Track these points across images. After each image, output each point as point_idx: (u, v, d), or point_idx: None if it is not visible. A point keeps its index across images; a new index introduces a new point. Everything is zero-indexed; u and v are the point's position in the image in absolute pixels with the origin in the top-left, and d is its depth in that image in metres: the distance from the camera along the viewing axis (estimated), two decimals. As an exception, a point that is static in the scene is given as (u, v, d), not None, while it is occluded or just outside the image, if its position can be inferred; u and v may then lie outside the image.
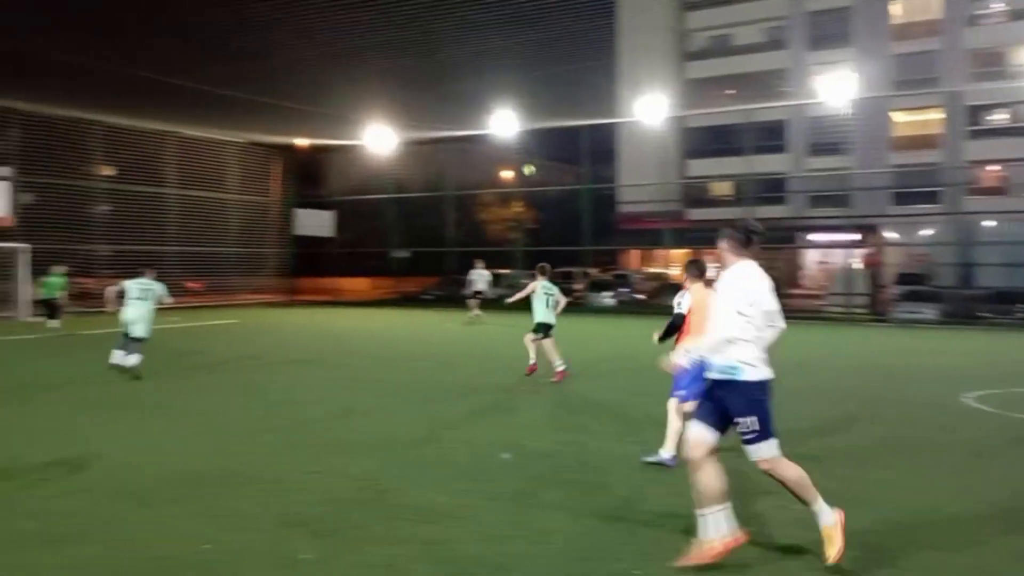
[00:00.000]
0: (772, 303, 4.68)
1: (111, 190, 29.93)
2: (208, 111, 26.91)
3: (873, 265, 35.61)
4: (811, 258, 45.40)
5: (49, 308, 20.08)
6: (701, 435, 4.57)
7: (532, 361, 12.12)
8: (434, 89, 27.63)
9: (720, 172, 40.12)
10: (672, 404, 6.91)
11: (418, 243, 37.26)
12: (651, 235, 39.37)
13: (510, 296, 13.63)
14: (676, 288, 8.24)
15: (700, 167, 43.24)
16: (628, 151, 44.41)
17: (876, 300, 28.53)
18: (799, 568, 4.60)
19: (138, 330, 12.32)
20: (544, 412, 9.68)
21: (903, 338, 20.16)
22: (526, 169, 27.72)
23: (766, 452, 4.52)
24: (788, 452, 6.16)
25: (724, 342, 4.49)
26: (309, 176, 40.33)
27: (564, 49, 23.72)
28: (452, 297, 27.02)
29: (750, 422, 4.47)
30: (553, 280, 12.60)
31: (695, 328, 6.54)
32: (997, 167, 37.23)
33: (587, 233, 30.09)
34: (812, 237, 41.49)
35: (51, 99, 24.93)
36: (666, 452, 6.87)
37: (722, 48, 45.37)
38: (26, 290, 24.47)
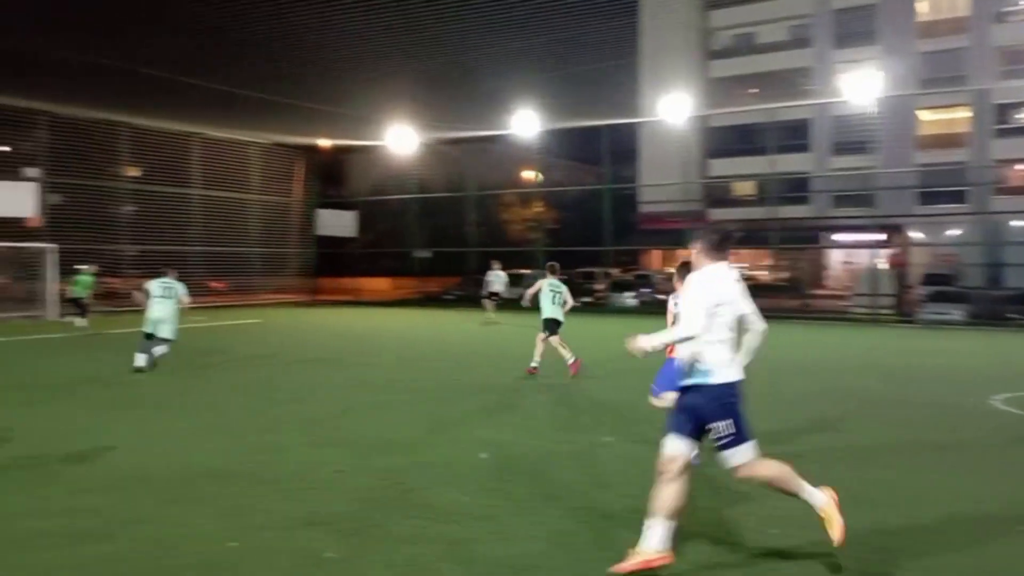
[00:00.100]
0: (744, 306, 4.68)
1: (136, 191, 30.28)
2: (232, 112, 27.16)
3: (899, 265, 35.20)
4: (835, 258, 45.00)
5: (79, 307, 20.33)
6: (678, 447, 4.47)
7: (534, 364, 12.19)
8: (455, 89, 27.68)
9: (743, 172, 39.86)
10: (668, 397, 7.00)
11: (439, 243, 37.32)
12: (673, 235, 39.15)
13: (526, 296, 13.72)
14: None
15: (723, 167, 42.97)
16: (650, 151, 44.21)
17: (902, 301, 28.19)
18: (796, 570, 4.55)
19: (165, 331, 12.76)
20: (561, 412, 9.66)
21: (930, 339, 19.90)
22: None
23: (742, 457, 4.44)
24: (810, 452, 6.12)
25: (689, 339, 4.42)
26: (331, 176, 40.55)
27: (586, 48, 23.67)
28: (473, 297, 27.03)
29: (724, 426, 4.40)
30: (563, 279, 12.79)
31: None
32: (1026, 166, 36.68)
33: (608, 233, 29.99)
34: (836, 237, 41.13)
35: (78, 101, 25.26)
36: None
37: (746, 46, 45.06)
38: (54, 289, 24.82)
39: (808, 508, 4.64)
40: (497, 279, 24.45)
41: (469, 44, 21.91)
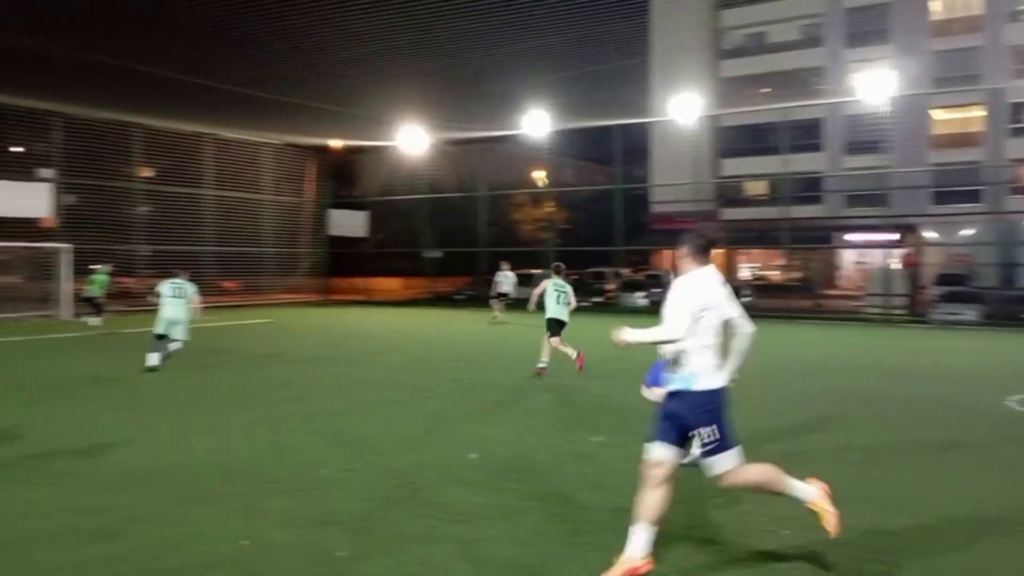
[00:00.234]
0: (731, 309, 4.65)
1: (150, 191, 30.47)
2: (245, 113, 27.28)
3: (912, 265, 34.99)
4: (848, 258, 44.78)
5: (93, 306, 20.48)
6: (663, 454, 4.44)
7: (542, 364, 12.21)
8: (467, 89, 27.73)
9: (755, 171, 39.71)
10: None
11: (450, 243, 37.37)
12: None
13: (531, 299, 13.77)
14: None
15: (735, 166, 42.83)
16: (661, 150, 44.12)
17: (915, 301, 28.02)
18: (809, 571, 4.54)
19: (178, 332, 13.05)
20: (569, 412, 9.66)
21: (943, 340, 19.77)
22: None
23: (727, 464, 4.40)
24: (819, 451, 6.08)
25: (672, 341, 4.37)
26: (343, 177, 40.69)
27: (597, 48, 23.66)
28: (484, 297, 27.07)
29: (709, 431, 4.35)
30: (569, 279, 12.85)
31: None
32: (1040, 165, 36.38)
33: (619, 233, 29.95)
34: (849, 237, 40.91)
35: (91, 102, 25.45)
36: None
37: (757, 46, 44.91)
38: (68, 289, 25.01)
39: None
40: (506, 279, 24.49)
41: (480, 44, 21.95)
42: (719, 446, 4.37)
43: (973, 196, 35.08)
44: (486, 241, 33.45)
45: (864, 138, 36.80)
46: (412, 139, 32.33)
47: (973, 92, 36.47)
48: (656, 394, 6.99)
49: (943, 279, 29.28)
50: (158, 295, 13.08)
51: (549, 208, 46.44)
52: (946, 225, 36.62)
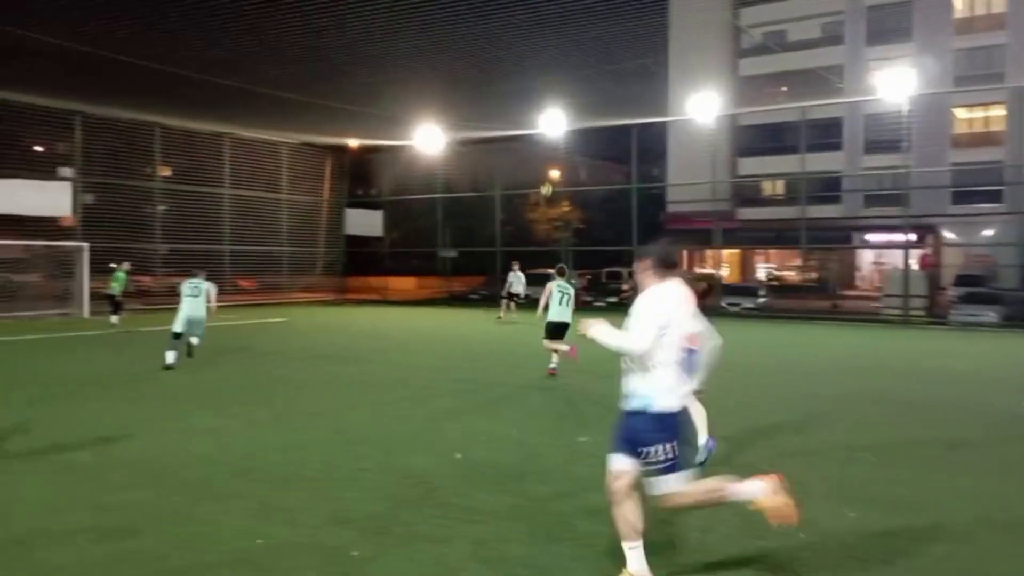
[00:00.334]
0: (695, 324, 4.57)
1: (168, 190, 30.69)
2: (262, 112, 27.41)
3: (931, 266, 34.65)
4: (866, 259, 44.45)
5: (113, 304, 20.62)
6: (624, 465, 4.34)
7: (553, 365, 12.20)
8: (483, 89, 27.67)
9: (773, 171, 39.48)
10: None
11: (466, 243, 37.39)
12: (700, 235, 38.94)
13: (540, 306, 13.72)
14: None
15: (752, 165, 42.62)
16: (678, 149, 43.96)
17: (934, 302, 27.74)
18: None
19: (196, 330, 13.43)
20: (583, 412, 9.61)
21: (962, 342, 19.56)
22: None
23: (675, 485, 4.28)
24: (834, 451, 5.99)
25: (635, 351, 4.25)
26: (359, 176, 40.80)
27: (615, 47, 23.54)
28: (499, 297, 27.08)
29: (662, 450, 4.24)
30: (573, 280, 12.82)
31: None
32: (1064, 165, 35.92)
33: (635, 232, 29.85)
34: (868, 237, 40.59)
35: (111, 101, 25.66)
36: (701, 439, 6.96)
37: (776, 44, 44.66)
38: (87, 287, 25.23)
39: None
40: (517, 279, 24.54)
41: (497, 43, 21.88)
42: (673, 466, 4.26)
43: (994, 196, 34.72)
44: (501, 241, 33.44)
45: (884, 137, 36.46)
46: (428, 138, 32.36)
47: (995, 91, 36.05)
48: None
49: (962, 280, 28.97)
50: (180, 295, 13.47)
51: (565, 208, 46.38)
52: (966, 225, 36.26)
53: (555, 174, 47.77)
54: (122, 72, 21.53)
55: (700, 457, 6.94)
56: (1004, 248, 29.85)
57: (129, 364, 13.73)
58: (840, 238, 39.50)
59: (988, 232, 34.55)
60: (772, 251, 45.44)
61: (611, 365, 12.95)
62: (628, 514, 4.30)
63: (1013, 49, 37.43)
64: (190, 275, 13.76)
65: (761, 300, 30.17)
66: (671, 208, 44.83)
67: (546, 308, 12.63)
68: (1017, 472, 6.98)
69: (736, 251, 44.74)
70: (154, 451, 7.39)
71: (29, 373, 12.97)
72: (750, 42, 45.79)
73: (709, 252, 41.76)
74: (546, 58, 24.49)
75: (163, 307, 23.06)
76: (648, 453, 4.24)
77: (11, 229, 25.04)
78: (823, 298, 33.43)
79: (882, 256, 41.41)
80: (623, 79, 27.69)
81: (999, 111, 38.65)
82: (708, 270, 41.54)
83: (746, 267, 46.27)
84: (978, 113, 40.29)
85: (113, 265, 21.79)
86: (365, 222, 36.90)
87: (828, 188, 39.94)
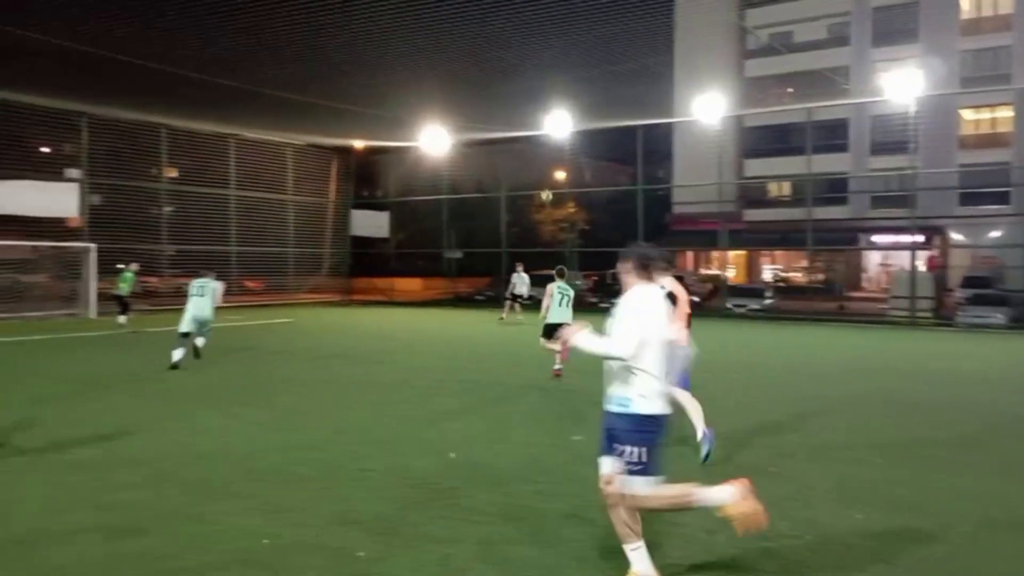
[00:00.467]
0: (671, 330, 4.54)
1: (174, 191, 30.77)
2: (268, 114, 27.47)
3: (938, 268, 34.55)
4: (873, 260, 44.33)
5: (121, 304, 20.68)
6: (612, 468, 4.33)
7: (558, 366, 12.21)
8: (488, 90, 27.72)
9: (779, 172, 39.40)
10: (674, 391, 7.27)
11: (471, 244, 37.42)
12: (706, 236, 38.91)
13: (543, 308, 13.77)
14: (733, 289, 8.47)
15: (758, 167, 42.54)
16: (684, 151, 43.94)
17: (941, 304, 27.65)
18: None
19: (204, 331, 13.59)
20: (590, 413, 9.59)
21: (969, 343, 19.49)
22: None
23: (641, 488, 4.24)
24: (842, 452, 5.96)
25: (620, 356, 4.22)
26: (365, 177, 40.87)
27: (620, 48, 23.56)
28: (503, 298, 27.10)
29: (637, 452, 4.20)
30: (570, 282, 12.90)
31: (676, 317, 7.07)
32: (1071, 166, 35.79)
33: (641, 234, 29.80)
34: (874, 239, 40.49)
35: (118, 102, 25.74)
36: (699, 432, 7.11)
37: (782, 45, 44.61)
38: (94, 288, 25.30)
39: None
40: (521, 281, 24.55)
41: (503, 45, 21.92)
42: (643, 470, 4.22)
43: (1001, 197, 34.58)
44: (506, 242, 33.44)
45: (890, 138, 36.38)
46: (434, 140, 32.39)
47: (1002, 92, 35.94)
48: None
49: (970, 282, 28.88)
50: (188, 295, 13.60)
51: (570, 209, 46.38)
52: (973, 227, 36.13)
53: (560, 175, 47.82)
54: (128, 74, 21.62)
55: (703, 451, 7.05)
56: (1011, 249, 29.73)
57: (135, 364, 13.77)
58: (846, 239, 39.40)
59: (995, 233, 34.42)
60: (778, 252, 45.34)
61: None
62: (624, 516, 4.29)
63: (1020, 50, 37.31)
64: (197, 275, 13.86)
65: (767, 302, 30.11)
66: (677, 209, 44.80)
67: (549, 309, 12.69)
68: (1019, 472, 6.94)
69: (742, 252, 44.66)
70: (159, 450, 7.40)
71: (35, 373, 13.01)
72: (756, 43, 45.72)
73: (715, 253, 41.75)
74: (551, 59, 24.53)
75: (170, 308, 23.13)
76: (623, 452, 4.23)
77: (19, 230, 25.14)
78: (829, 300, 33.36)
79: (889, 257, 41.31)
80: (629, 80, 27.70)
81: (1006, 112, 38.54)
82: (714, 271, 41.51)
83: (752, 268, 46.18)
84: (985, 114, 40.15)
85: (121, 266, 21.85)
86: (371, 223, 36.94)
87: (834, 189, 39.85)
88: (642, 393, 4.25)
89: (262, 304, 30.20)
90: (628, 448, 4.23)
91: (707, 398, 10.28)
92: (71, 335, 19.46)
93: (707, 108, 28.15)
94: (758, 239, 40.42)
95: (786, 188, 43.96)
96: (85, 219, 26.76)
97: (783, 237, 36.38)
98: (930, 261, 36.08)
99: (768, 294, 31.46)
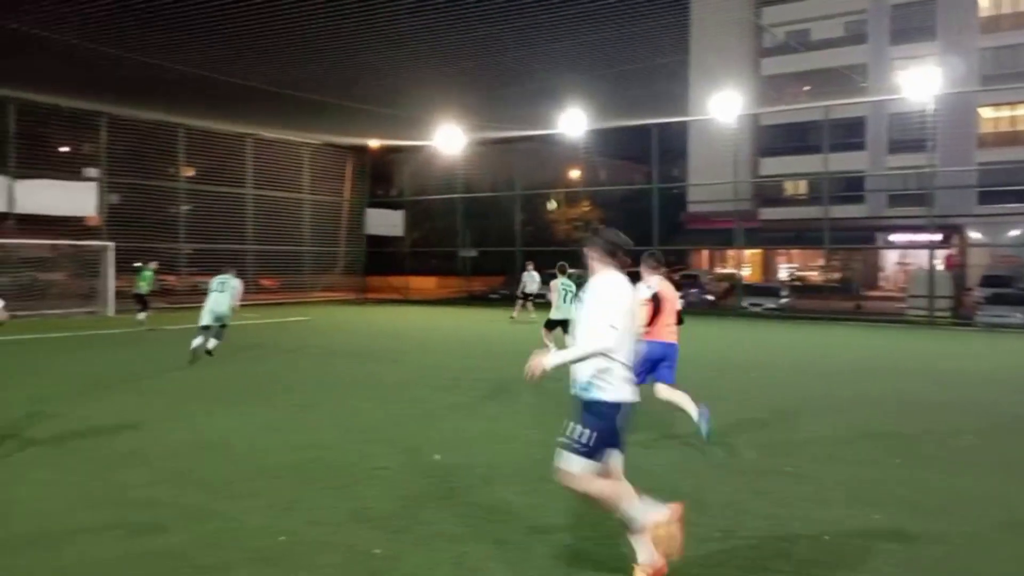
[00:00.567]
0: (637, 317, 4.53)
1: (192, 190, 30.98)
2: (285, 113, 27.60)
3: (957, 266, 34.24)
4: (890, 259, 44.00)
5: (140, 302, 20.82)
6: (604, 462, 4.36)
7: None
8: (503, 89, 27.69)
9: (796, 170, 39.19)
10: (661, 388, 7.61)
11: (485, 242, 37.44)
12: (721, 235, 38.73)
13: (553, 304, 13.79)
14: (749, 288, 8.62)
15: (775, 165, 42.32)
16: (699, 149, 43.76)
17: (959, 303, 27.40)
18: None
19: (218, 323, 13.77)
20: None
21: (987, 343, 19.31)
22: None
23: (576, 468, 4.22)
24: (856, 453, 5.93)
25: (598, 354, 4.20)
26: (380, 176, 40.96)
27: (636, 47, 23.45)
28: (515, 296, 27.12)
29: (585, 434, 4.19)
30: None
31: (656, 317, 7.42)
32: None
33: (656, 233, 29.73)
34: (892, 237, 40.18)
35: (136, 103, 25.95)
36: (694, 415, 7.43)
37: (799, 43, 44.34)
38: (112, 286, 25.53)
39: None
40: (532, 279, 24.55)
41: (518, 44, 21.90)
42: (585, 452, 4.20)
43: (1021, 196, 34.20)
44: (521, 241, 33.43)
45: (908, 137, 36.07)
46: (449, 139, 32.44)
47: (1022, 90, 35.53)
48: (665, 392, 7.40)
49: (989, 281, 28.60)
50: (208, 291, 13.95)
51: (585, 207, 46.32)
52: (992, 225, 35.78)
53: (575, 174, 47.75)
54: (148, 75, 21.78)
55: (704, 430, 7.35)
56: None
57: (151, 362, 13.88)
58: (863, 238, 39.12)
59: (1015, 232, 34.05)
60: (794, 251, 45.11)
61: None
62: (624, 509, 4.29)
63: (1041, 47, 36.90)
64: (219, 271, 14.33)
65: (783, 300, 29.95)
66: (692, 208, 44.64)
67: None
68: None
69: (758, 251, 44.43)
70: (176, 448, 7.46)
71: (53, 369, 13.16)
72: (772, 41, 45.47)
73: (730, 252, 41.55)
74: (566, 59, 24.46)
75: (187, 306, 23.29)
76: (571, 428, 4.24)
77: (38, 228, 25.42)
78: (846, 299, 33.11)
79: (906, 256, 40.99)
80: (644, 79, 27.58)
81: (1026, 110, 38.13)
82: (729, 270, 41.33)
83: (768, 267, 45.95)
84: (1004, 112, 39.76)
85: (138, 264, 22.01)
86: (386, 222, 37.04)
87: (851, 188, 39.59)
88: (604, 379, 4.23)
89: (277, 302, 30.36)
90: (578, 427, 4.23)
91: (721, 397, 10.28)
92: (89, 333, 19.66)
93: (723, 106, 28.03)
94: (774, 238, 40.19)
95: (802, 187, 43.71)
96: (103, 218, 27.02)
97: (799, 236, 36.16)
98: (948, 260, 35.75)
99: (784, 293, 31.29)
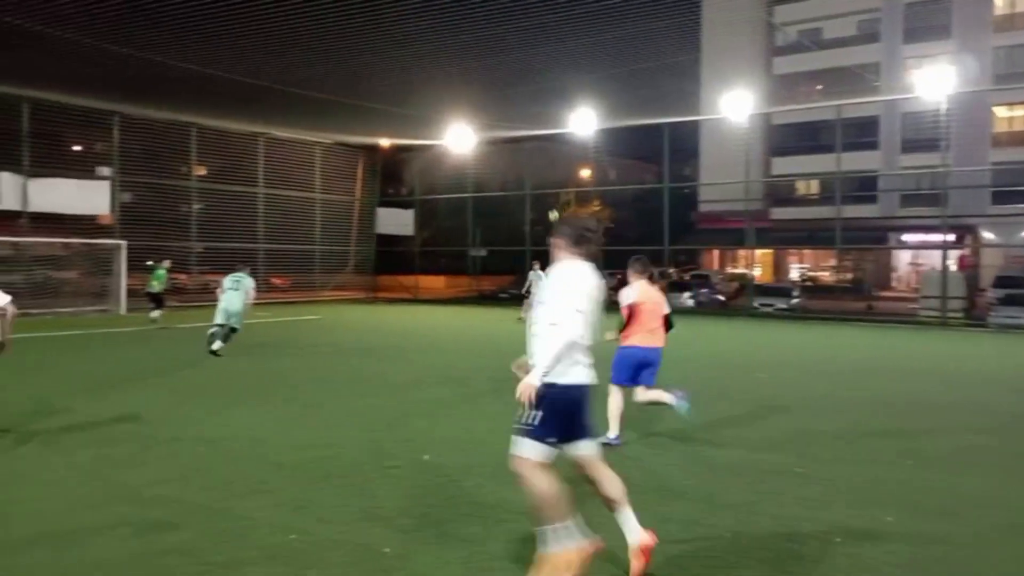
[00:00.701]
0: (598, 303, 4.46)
1: (204, 189, 31.12)
2: (297, 113, 27.69)
3: (970, 267, 34.02)
4: (903, 259, 43.77)
5: (154, 300, 20.95)
6: (575, 449, 4.41)
7: None
8: (514, 88, 27.69)
9: (808, 170, 39.02)
10: (639, 392, 7.70)
11: (495, 242, 37.46)
12: (732, 234, 38.61)
13: None
14: (760, 288, 8.72)
15: (787, 165, 42.16)
16: (710, 148, 43.66)
17: (972, 304, 27.22)
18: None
19: (234, 321, 14.06)
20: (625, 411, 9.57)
21: (1000, 344, 19.18)
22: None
23: (526, 451, 4.21)
24: (873, 453, 5.86)
25: (571, 345, 4.18)
26: (391, 175, 41.05)
27: (647, 46, 23.39)
28: (522, 296, 27.10)
29: (532, 415, 4.18)
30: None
31: (639, 321, 7.47)
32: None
33: (667, 232, 29.67)
34: (904, 238, 39.97)
35: (149, 101, 26.09)
36: (673, 400, 7.63)
37: (812, 42, 44.14)
38: (124, 284, 25.67)
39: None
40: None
41: (528, 43, 21.88)
42: (531, 432, 4.20)
43: (1036, 196, 33.98)
44: (531, 240, 33.43)
45: (921, 136, 35.86)
46: (459, 138, 32.46)
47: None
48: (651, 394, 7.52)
49: (1002, 281, 28.39)
50: (222, 288, 14.22)
51: (595, 207, 46.22)
52: (1006, 225, 35.53)
53: (585, 173, 47.69)
54: (160, 74, 21.88)
55: (684, 408, 7.62)
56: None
57: (162, 360, 13.95)
58: (876, 238, 38.94)
59: (1029, 233, 33.85)
60: (806, 251, 44.93)
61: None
62: (605, 487, 4.38)
63: (1056, 46, 36.60)
64: (233, 269, 14.68)
65: (794, 301, 29.83)
66: (703, 207, 44.54)
67: None
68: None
69: (769, 251, 44.29)
70: (187, 445, 7.49)
71: (64, 367, 13.25)
72: (785, 40, 45.29)
73: (741, 252, 41.43)
74: (577, 58, 24.42)
75: (199, 304, 23.41)
76: (520, 411, 4.23)
77: (51, 227, 25.61)
78: (858, 299, 32.98)
79: (919, 257, 40.75)
80: (655, 78, 27.51)
81: (1041, 109, 37.84)
82: (740, 270, 41.20)
83: (779, 267, 45.78)
84: (1019, 112, 39.49)
85: (151, 263, 22.12)
86: (396, 221, 37.11)
87: (864, 188, 39.40)
88: (566, 363, 4.22)
89: (288, 301, 30.47)
90: (525, 411, 4.21)
91: (729, 396, 10.26)
92: (101, 331, 19.77)
93: (735, 105, 27.95)
94: (785, 238, 40.05)
95: (814, 186, 43.53)
96: (116, 216, 27.18)
97: (811, 236, 36.02)
98: (961, 260, 35.52)
99: (795, 293, 31.18)
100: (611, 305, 7.73)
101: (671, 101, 29.91)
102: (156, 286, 20.62)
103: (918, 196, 36.59)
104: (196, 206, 30.61)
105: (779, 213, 42.29)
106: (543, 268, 24.71)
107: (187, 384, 11.38)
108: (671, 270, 35.36)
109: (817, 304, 30.50)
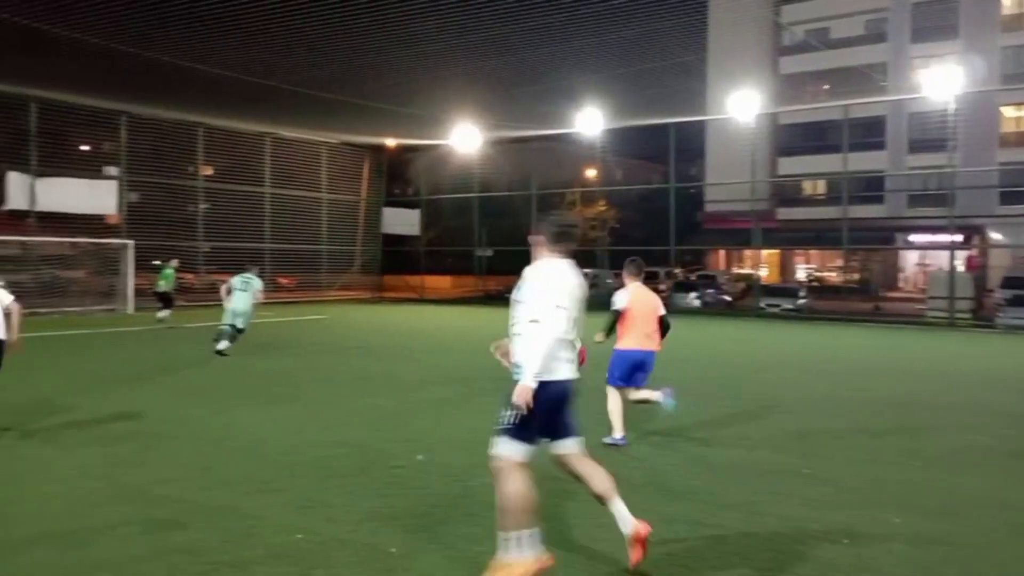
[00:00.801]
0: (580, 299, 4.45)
1: (211, 189, 31.20)
2: (303, 113, 27.74)
3: (977, 267, 33.90)
4: (910, 260, 43.63)
5: (162, 300, 21.01)
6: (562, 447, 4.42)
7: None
8: (520, 88, 27.68)
9: (814, 170, 38.93)
10: (631, 392, 7.75)
11: (501, 242, 37.44)
12: (739, 235, 38.53)
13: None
14: (767, 289, 8.79)
15: (793, 165, 42.07)
16: (717, 148, 43.56)
17: (980, 305, 27.11)
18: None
19: (240, 322, 14.10)
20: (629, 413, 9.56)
21: (1008, 345, 19.10)
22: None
23: (505, 450, 4.20)
24: (880, 453, 5.86)
25: (556, 342, 4.17)
26: (397, 175, 41.10)
27: (654, 46, 23.36)
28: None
29: (509, 415, 4.17)
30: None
31: (632, 324, 7.48)
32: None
33: (673, 232, 29.64)
34: (911, 238, 39.84)
35: (157, 101, 26.17)
36: (660, 397, 7.72)
37: (819, 42, 44.02)
38: (131, 284, 25.75)
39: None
40: None
41: (535, 43, 21.88)
42: (509, 431, 4.19)
43: (1044, 196, 33.83)
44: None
45: (929, 136, 35.76)
46: (465, 138, 32.47)
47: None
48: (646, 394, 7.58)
49: (1010, 282, 28.27)
50: (229, 289, 14.23)
51: (601, 207, 46.17)
52: (1014, 226, 35.36)
53: (591, 173, 47.65)
54: (168, 74, 21.94)
55: (671, 405, 7.73)
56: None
57: (169, 359, 13.99)
58: (883, 239, 38.83)
59: (1037, 233, 33.68)
60: (813, 252, 44.82)
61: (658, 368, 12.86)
62: (595, 481, 4.39)
63: (1064, 46, 36.44)
64: (243, 269, 14.73)
65: (801, 301, 29.76)
66: (709, 208, 44.45)
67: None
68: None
69: (775, 252, 44.19)
70: (193, 444, 7.52)
71: (72, 366, 13.30)
72: (792, 39, 45.18)
73: (748, 252, 41.32)
74: (583, 58, 24.41)
75: (205, 304, 23.47)
76: (500, 412, 4.24)
77: (59, 226, 25.70)
78: (865, 300, 32.88)
79: (926, 257, 40.63)
80: (661, 78, 27.47)
81: (1049, 109, 37.67)
82: (747, 270, 41.11)
83: (786, 268, 45.68)
84: (1028, 112, 39.31)
85: (157, 262, 22.17)
86: (402, 221, 37.15)
87: (871, 188, 39.27)
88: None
89: (295, 301, 30.53)
90: (504, 410, 4.21)
91: (735, 397, 10.24)
92: (108, 330, 19.83)
93: (741, 105, 27.90)
94: (792, 238, 39.98)
95: (821, 186, 43.43)
96: (123, 216, 27.26)
97: (818, 236, 35.95)
98: (969, 261, 35.42)
99: (802, 294, 31.10)
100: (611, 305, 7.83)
101: (677, 101, 29.86)
102: (163, 285, 20.65)
103: (925, 196, 36.49)
104: (203, 206, 30.70)
105: (786, 213, 42.20)
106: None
107: (193, 383, 11.41)
108: (677, 270, 35.32)
109: (824, 305, 30.42)
